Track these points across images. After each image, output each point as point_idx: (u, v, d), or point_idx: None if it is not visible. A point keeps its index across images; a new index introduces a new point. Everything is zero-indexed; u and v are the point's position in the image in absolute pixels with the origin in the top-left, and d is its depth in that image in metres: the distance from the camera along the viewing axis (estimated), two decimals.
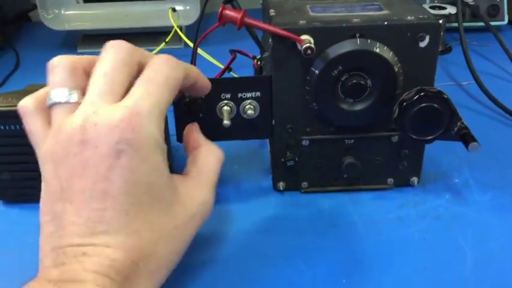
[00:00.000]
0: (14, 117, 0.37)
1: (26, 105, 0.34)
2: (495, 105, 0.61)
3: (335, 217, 0.45)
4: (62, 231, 0.30)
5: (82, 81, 0.33)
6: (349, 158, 0.46)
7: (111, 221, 0.30)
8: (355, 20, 0.41)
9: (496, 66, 0.73)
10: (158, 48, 0.75)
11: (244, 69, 0.71)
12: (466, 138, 0.41)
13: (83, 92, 0.32)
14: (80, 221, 0.30)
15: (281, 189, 0.47)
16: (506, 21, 0.84)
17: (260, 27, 0.42)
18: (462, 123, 0.42)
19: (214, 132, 0.44)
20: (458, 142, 0.42)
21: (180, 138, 0.45)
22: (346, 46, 0.41)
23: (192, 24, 0.79)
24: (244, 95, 0.43)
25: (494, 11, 0.83)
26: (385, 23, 0.41)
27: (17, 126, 0.42)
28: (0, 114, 0.42)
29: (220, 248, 0.42)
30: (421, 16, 0.41)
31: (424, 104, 0.40)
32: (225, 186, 0.49)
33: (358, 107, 0.43)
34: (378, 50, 0.41)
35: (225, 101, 0.43)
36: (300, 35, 0.40)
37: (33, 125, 0.33)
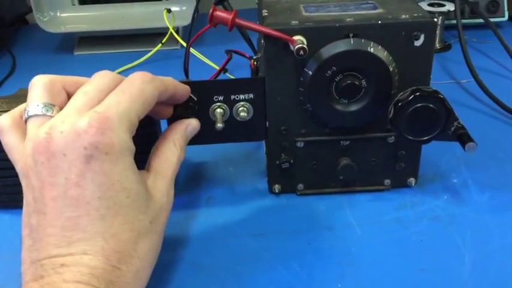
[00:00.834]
0: None
1: (2, 122, 0.34)
2: (494, 103, 0.60)
3: (331, 219, 0.44)
4: (39, 244, 0.30)
5: (60, 98, 0.34)
6: (345, 159, 0.45)
7: (86, 228, 0.30)
8: (349, 19, 0.40)
9: (496, 64, 0.73)
10: (154, 50, 0.75)
11: (241, 70, 0.70)
12: (463, 138, 0.41)
13: (61, 109, 0.33)
14: (55, 231, 0.30)
15: (277, 191, 0.47)
16: (506, 18, 0.83)
17: (251, 28, 0.41)
18: (459, 123, 0.41)
19: (207, 135, 0.44)
20: (455, 142, 0.42)
21: None
22: (339, 46, 0.40)
23: (188, 25, 0.78)
24: (237, 97, 0.43)
25: (494, 8, 0.82)
26: (379, 22, 0.40)
27: None
28: None
29: (215, 250, 0.41)
30: (415, 14, 0.41)
31: (419, 104, 0.40)
32: (221, 188, 0.49)
33: (353, 107, 0.42)
34: (372, 50, 0.40)
35: (218, 104, 0.43)
36: (292, 35, 0.40)
37: (10, 142, 0.33)
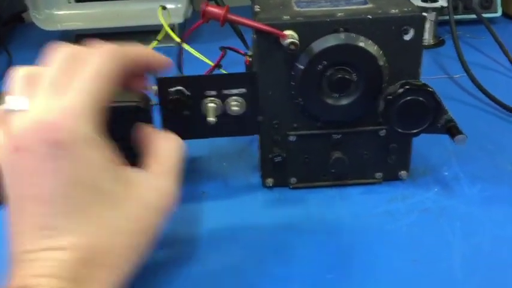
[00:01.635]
0: None
1: None
2: (486, 97, 0.61)
3: (324, 212, 0.45)
4: (13, 242, 0.30)
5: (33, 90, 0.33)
6: (337, 153, 0.45)
7: (56, 225, 0.30)
8: (339, 14, 0.41)
9: (489, 59, 0.73)
10: (150, 47, 0.75)
11: (235, 66, 0.70)
12: (452, 130, 0.41)
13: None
14: (26, 229, 0.30)
15: (270, 185, 0.47)
16: (499, 13, 0.84)
17: (243, 23, 0.41)
18: (448, 116, 0.42)
19: (200, 129, 0.44)
20: (446, 135, 0.42)
21: None
22: (330, 41, 0.41)
23: (183, 22, 0.79)
24: (229, 92, 0.43)
25: (488, 3, 0.83)
26: (369, 16, 0.41)
27: None
28: None
29: (208, 244, 0.42)
30: (405, 9, 0.41)
31: (408, 98, 0.40)
32: (214, 182, 0.49)
33: (344, 101, 0.43)
34: (362, 44, 0.40)
35: (210, 98, 0.43)
36: (283, 30, 0.40)
37: None
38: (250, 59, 0.64)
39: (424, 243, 0.41)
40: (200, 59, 0.69)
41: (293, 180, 0.47)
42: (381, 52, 0.41)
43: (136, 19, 0.82)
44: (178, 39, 0.70)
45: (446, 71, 0.70)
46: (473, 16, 0.82)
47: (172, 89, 0.42)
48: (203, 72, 0.64)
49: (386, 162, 0.47)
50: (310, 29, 0.41)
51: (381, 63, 0.41)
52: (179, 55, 0.50)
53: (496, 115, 0.59)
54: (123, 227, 0.32)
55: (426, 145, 0.49)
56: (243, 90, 0.43)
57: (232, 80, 0.43)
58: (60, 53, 0.34)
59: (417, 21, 0.41)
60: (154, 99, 0.45)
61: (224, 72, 0.67)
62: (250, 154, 0.52)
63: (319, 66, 0.41)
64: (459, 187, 0.47)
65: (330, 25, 0.41)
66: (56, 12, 0.83)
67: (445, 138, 0.43)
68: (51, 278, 0.28)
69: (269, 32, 0.40)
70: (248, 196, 0.47)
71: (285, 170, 0.47)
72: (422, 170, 0.49)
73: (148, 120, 0.45)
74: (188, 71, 0.58)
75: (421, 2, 0.75)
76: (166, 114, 0.44)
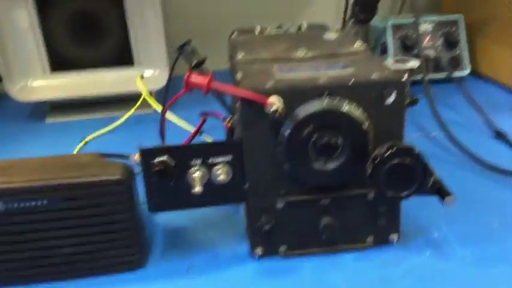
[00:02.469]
0: None
1: None
2: (464, 155, 0.62)
3: (316, 282, 0.43)
4: None
5: None
6: (326, 218, 0.45)
7: None
8: (322, 79, 0.41)
9: (460, 116, 0.75)
10: (128, 114, 0.74)
11: (215, 130, 0.70)
12: (441, 192, 0.41)
13: None
14: None
15: (259, 254, 0.46)
16: (468, 72, 0.87)
17: (227, 91, 0.41)
18: (435, 176, 0.41)
19: (185, 199, 0.43)
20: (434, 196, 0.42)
21: (152, 208, 0.44)
22: (314, 106, 0.41)
23: (161, 88, 0.79)
24: (215, 160, 0.43)
25: (455, 63, 0.86)
26: (352, 81, 0.41)
27: None
28: None
29: None
30: (386, 73, 0.42)
31: (395, 161, 0.40)
32: (200, 254, 0.47)
33: (331, 165, 0.42)
34: (346, 109, 0.41)
35: (196, 167, 0.42)
36: (268, 96, 0.40)
37: None
38: (230, 124, 0.64)
39: None
40: (179, 125, 0.69)
41: (283, 248, 0.46)
42: (365, 115, 0.41)
43: (113, 87, 0.81)
44: (158, 107, 0.69)
45: (422, 129, 0.71)
46: (441, 75, 0.85)
47: (157, 160, 0.41)
48: (183, 138, 0.64)
49: (376, 226, 0.46)
50: (293, 95, 0.41)
51: (366, 126, 0.41)
52: (161, 124, 0.49)
53: (476, 172, 0.59)
54: None
55: (413, 206, 0.48)
56: (228, 158, 0.43)
57: (218, 148, 0.42)
58: None
59: (398, 85, 0.41)
60: (136, 169, 0.44)
61: (206, 138, 0.67)
62: (237, 221, 0.51)
63: (305, 131, 0.41)
64: (451, 249, 0.46)
65: (313, 90, 0.41)
66: (31, 83, 0.82)
67: (430, 198, 0.42)
68: None
69: (254, 99, 0.40)
70: (238, 267, 0.45)
71: (274, 238, 0.45)
72: (412, 232, 0.48)
73: (131, 191, 0.43)
74: (168, 137, 0.57)
75: (394, 63, 0.77)
76: (150, 185, 0.42)
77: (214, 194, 0.43)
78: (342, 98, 0.41)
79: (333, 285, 0.42)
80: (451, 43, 0.86)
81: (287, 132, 0.41)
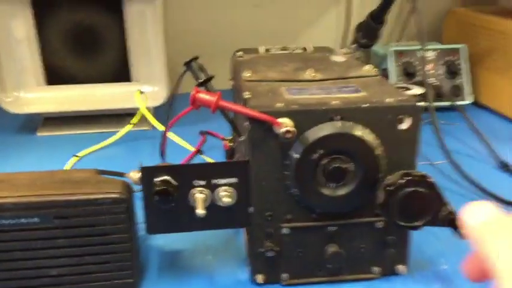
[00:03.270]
0: None
1: None
2: (470, 185, 0.60)
3: None
4: None
5: None
6: (333, 246, 0.43)
7: None
8: (334, 102, 0.40)
9: (462, 144, 0.74)
10: (124, 130, 0.72)
11: (214, 150, 0.68)
12: (456, 224, 0.39)
13: None
14: None
15: (260, 282, 0.43)
16: (469, 101, 0.86)
17: (236, 110, 0.40)
18: (449, 207, 0.40)
19: (187, 222, 0.41)
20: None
21: (151, 230, 0.41)
22: (326, 129, 0.39)
23: (159, 105, 0.77)
24: (219, 181, 0.41)
25: (457, 92, 0.86)
26: (365, 105, 0.40)
27: None
28: None
29: None
30: (400, 98, 0.41)
31: (410, 189, 0.38)
32: (197, 279, 0.45)
33: (341, 192, 0.40)
34: (359, 133, 0.39)
35: (199, 189, 0.40)
36: (278, 117, 0.39)
37: None
38: (230, 144, 0.62)
39: None
40: (178, 143, 0.67)
41: (286, 276, 0.43)
42: (378, 141, 0.40)
43: (108, 103, 0.79)
44: (157, 124, 0.68)
45: (427, 157, 0.70)
46: (444, 103, 0.84)
47: (158, 179, 0.39)
48: (182, 156, 0.62)
49: (384, 256, 0.44)
50: (305, 117, 0.39)
51: (378, 152, 0.40)
52: (162, 142, 0.47)
53: None
54: None
55: (419, 236, 0.47)
56: (233, 179, 0.41)
57: (223, 169, 0.41)
58: None
59: (414, 111, 0.40)
60: (135, 188, 0.42)
61: (205, 157, 0.65)
62: (237, 246, 0.49)
63: (315, 155, 0.39)
64: (461, 283, 0.44)
65: (325, 113, 0.39)
66: (24, 95, 0.79)
67: (437, 228, 0.40)
68: None
69: (264, 119, 0.38)
70: None
71: (277, 265, 0.43)
72: (420, 264, 0.46)
73: (130, 211, 0.41)
74: (167, 155, 0.55)
75: None
76: (150, 205, 0.40)
77: (216, 216, 0.41)
78: (354, 121, 0.39)
79: None
80: (452, 72, 0.86)
81: (296, 155, 0.39)
